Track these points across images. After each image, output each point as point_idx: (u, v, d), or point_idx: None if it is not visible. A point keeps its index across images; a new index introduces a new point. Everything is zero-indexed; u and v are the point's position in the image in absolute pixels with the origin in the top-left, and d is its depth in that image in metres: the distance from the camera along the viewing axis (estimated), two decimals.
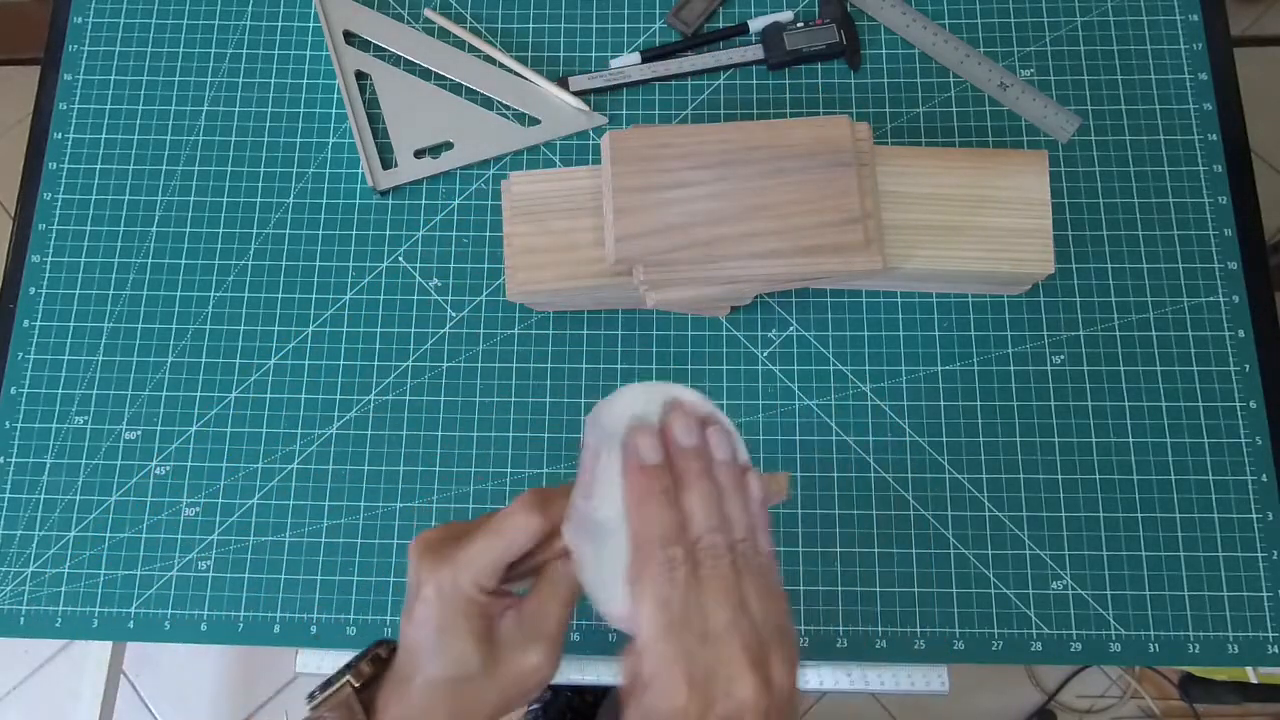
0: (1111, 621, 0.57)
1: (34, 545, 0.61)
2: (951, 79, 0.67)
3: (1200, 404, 0.60)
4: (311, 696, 0.41)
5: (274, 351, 0.63)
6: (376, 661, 0.41)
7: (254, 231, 0.66)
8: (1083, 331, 0.62)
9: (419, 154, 0.66)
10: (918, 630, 0.58)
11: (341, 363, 0.63)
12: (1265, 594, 0.57)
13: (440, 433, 0.62)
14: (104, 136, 0.68)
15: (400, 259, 0.65)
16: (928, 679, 0.59)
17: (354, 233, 0.65)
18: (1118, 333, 0.62)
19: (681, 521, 0.38)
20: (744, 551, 0.38)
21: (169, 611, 0.59)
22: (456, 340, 0.63)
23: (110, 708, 0.94)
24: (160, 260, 0.65)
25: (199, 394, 0.63)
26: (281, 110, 0.68)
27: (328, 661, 0.61)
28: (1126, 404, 0.61)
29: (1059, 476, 0.60)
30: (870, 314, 0.63)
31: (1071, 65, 0.67)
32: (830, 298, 0.63)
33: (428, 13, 0.69)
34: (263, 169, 0.67)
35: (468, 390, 0.62)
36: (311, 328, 0.64)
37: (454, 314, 0.64)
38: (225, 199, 0.66)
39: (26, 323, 0.65)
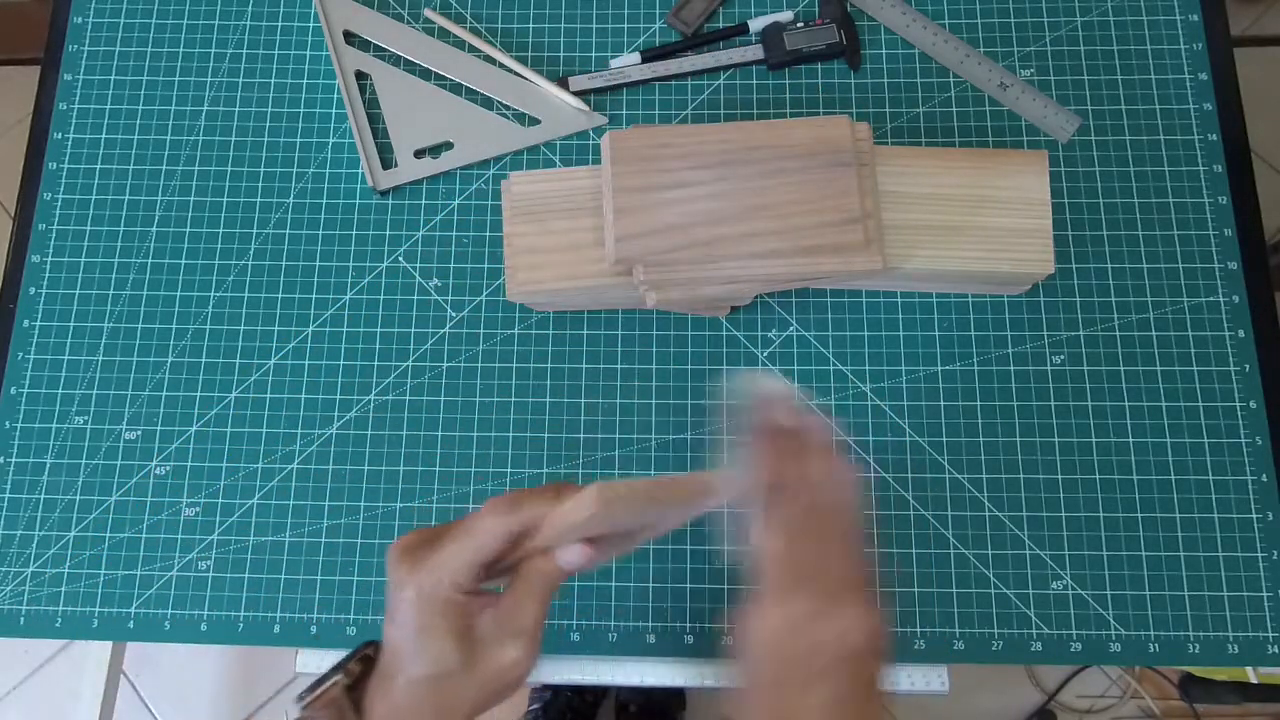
0: (1111, 621, 0.57)
1: (34, 545, 0.61)
2: (951, 79, 0.67)
3: (1200, 404, 0.60)
4: (301, 697, 0.42)
5: (274, 351, 0.63)
6: (365, 661, 0.43)
7: (254, 231, 0.66)
8: (1083, 331, 0.62)
9: (419, 154, 0.66)
10: (918, 630, 0.58)
11: (341, 363, 0.63)
12: (1265, 594, 0.57)
13: (440, 433, 0.62)
14: (104, 136, 0.68)
15: (400, 259, 0.65)
16: (928, 679, 0.59)
17: (354, 233, 0.65)
18: (1118, 333, 0.62)
19: (803, 476, 0.43)
20: (845, 510, 0.43)
21: (169, 611, 0.60)
22: (456, 340, 0.63)
23: (110, 708, 0.94)
24: (160, 260, 0.65)
25: (199, 394, 0.63)
26: (281, 110, 0.68)
27: (328, 662, 0.60)
28: (1126, 404, 0.61)
29: (1059, 476, 0.60)
30: (870, 314, 0.63)
31: (1071, 65, 0.67)
32: (830, 298, 0.63)
33: (428, 13, 0.69)
34: (263, 169, 0.67)
35: (468, 390, 0.62)
36: (311, 328, 0.64)
37: (454, 314, 0.64)
38: (225, 199, 0.66)
39: (26, 323, 0.65)
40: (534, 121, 0.67)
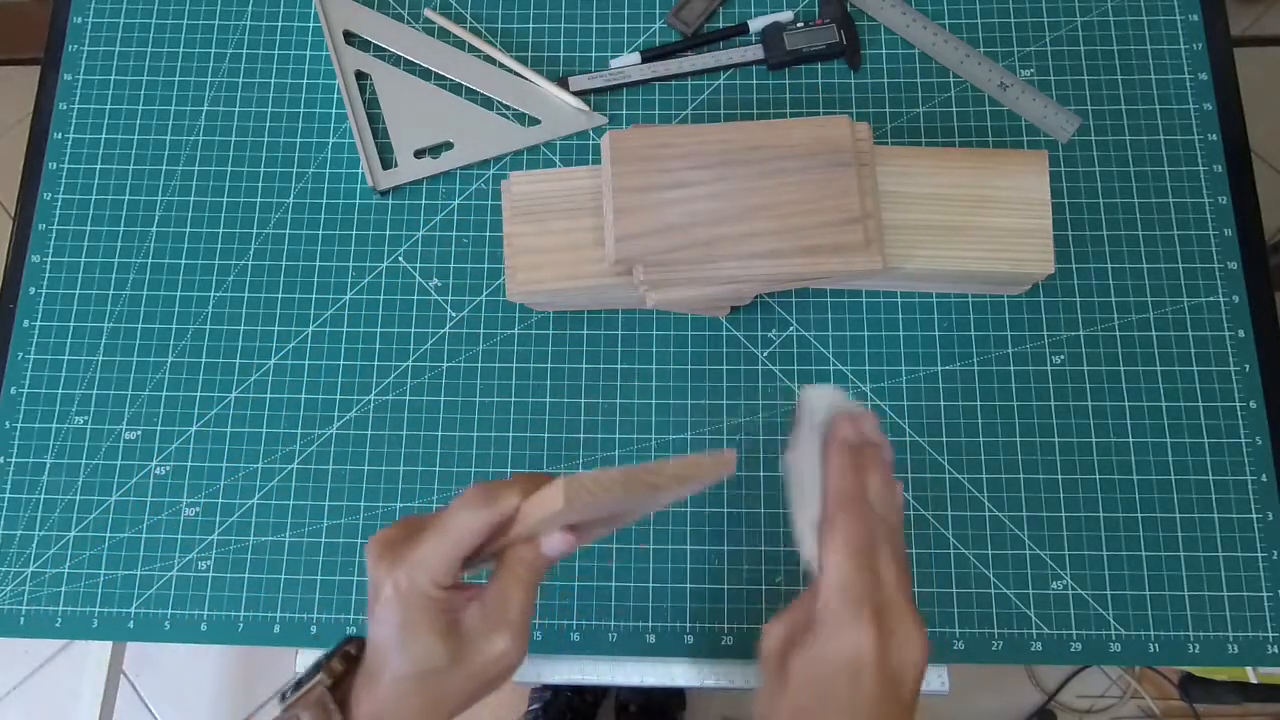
0: (1111, 621, 0.57)
1: (34, 545, 0.61)
2: (951, 79, 0.67)
3: (1200, 404, 0.60)
4: (284, 696, 0.42)
5: (274, 351, 0.63)
6: (347, 659, 0.42)
7: (254, 231, 0.66)
8: (1083, 331, 0.62)
9: (419, 154, 0.66)
10: None
11: (341, 363, 0.63)
12: (1265, 594, 0.57)
13: (440, 433, 0.62)
14: (104, 136, 0.68)
15: (400, 259, 0.65)
16: (928, 679, 0.59)
17: (354, 233, 0.65)
18: (1118, 333, 0.62)
19: (864, 494, 0.43)
20: (900, 535, 0.43)
21: (169, 611, 0.60)
22: (456, 340, 0.63)
23: (110, 708, 0.94)
24: (160, 260, 0.65)
25: (199, 394, 0.63)
26: (281, 110, 0.68)
27: None
28: (1126, 404, 0.61)
29: (1059, 476, 0.60)
30: (870, 314, 0.63)
31: (1071, 65, 0.67)
32: (830, 298, 0.63)
33: (428, 13, 0.69)
34: (263, 169, 0.67)
35: (468, 390, 0.62)
36: (311, 328, 0.64)
37: (454, 314, 0.64)
38: (225, 199, 0.66)
39: (26, 323, 0.65)
40: (534, 121, 0.67)
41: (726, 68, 0.68)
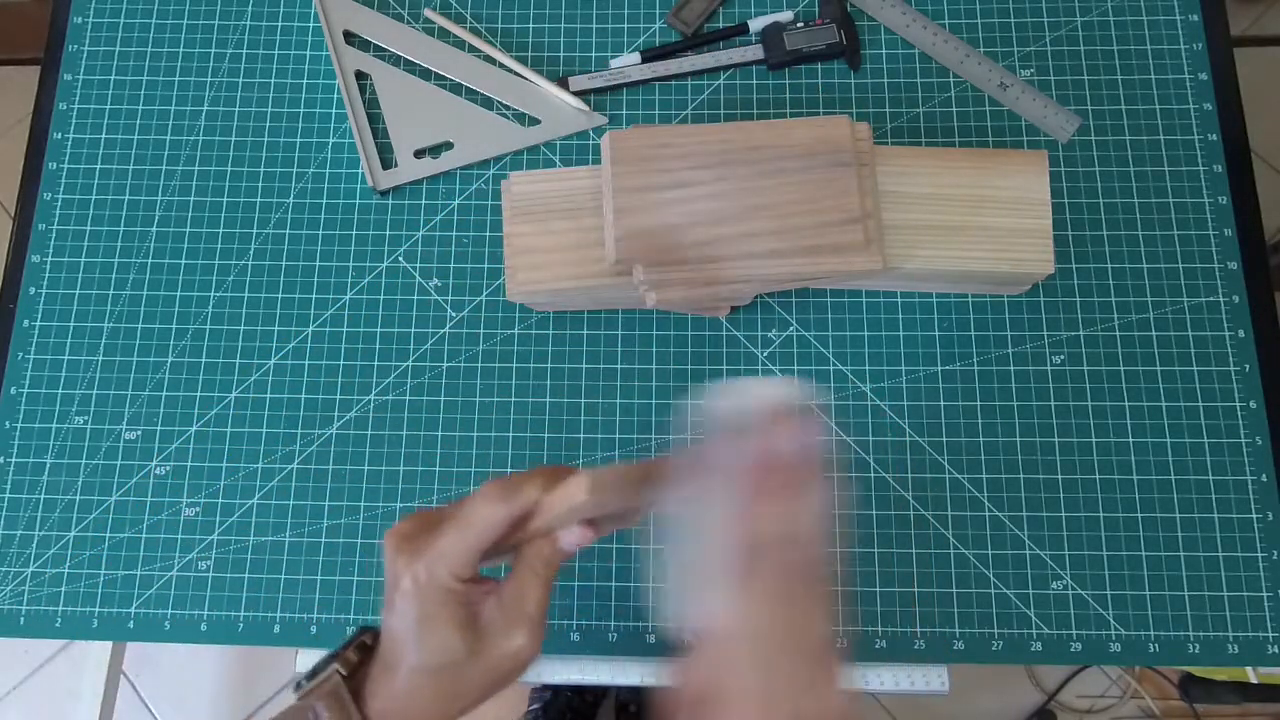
0: (1111, 621, 0.57)
1: (34, 545, 0.61)
2: (951, 79, 0.67)
3: (1200, 404, 0.60)
4: (299, 685, 0.42)
5: (274, 351, 0.63)
6: (362, 649, 0.42)
7: (254, 231, 0.66)
8: (1083, 331, 0.62)
9: (419, 154, 0.66)
10: (918, 630, 0.58)
11: (341, 363, 0.63)
12: (1265, 594, 0.57)
13: (440, 433, 0.62)
14: (104, 136, 0.68)
15: (400, 259, 0.65)
16: (928, 679, 0.59)
17: (354, 233, 0.65)
18: (1118, 333, 0.62)
19: (763, 531, 0.37)
20: (817, 566, 0.38)
21: (169, 611, 0.60)
22: (456, 340, 0.63)
23: (110, 708, 0.94)
24: (160, 260, 0.65)
25: (199, 394, 0.63)
26: (281, 110, 0.68)
27: None
28: (1126, 404, 0.61)
29: (1059, 476, 0.60)
30: (870, 314, 0.63)
31: (1071, 65, 0.67)
32: (830, 298, 0.63)
33: (428, 13, 0.69)
34: (263, 169, 0.67)
35: (468, 390, 0.62)
36: (311, 328, 0.64)
37: (454, 314, 0.64)
38: (225, 199, 0.66)
39: (26, 323, 0.65)
40: (534, 121, 0.67)
41: (726, 68, 0.68)
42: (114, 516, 0.61)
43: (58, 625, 0.60)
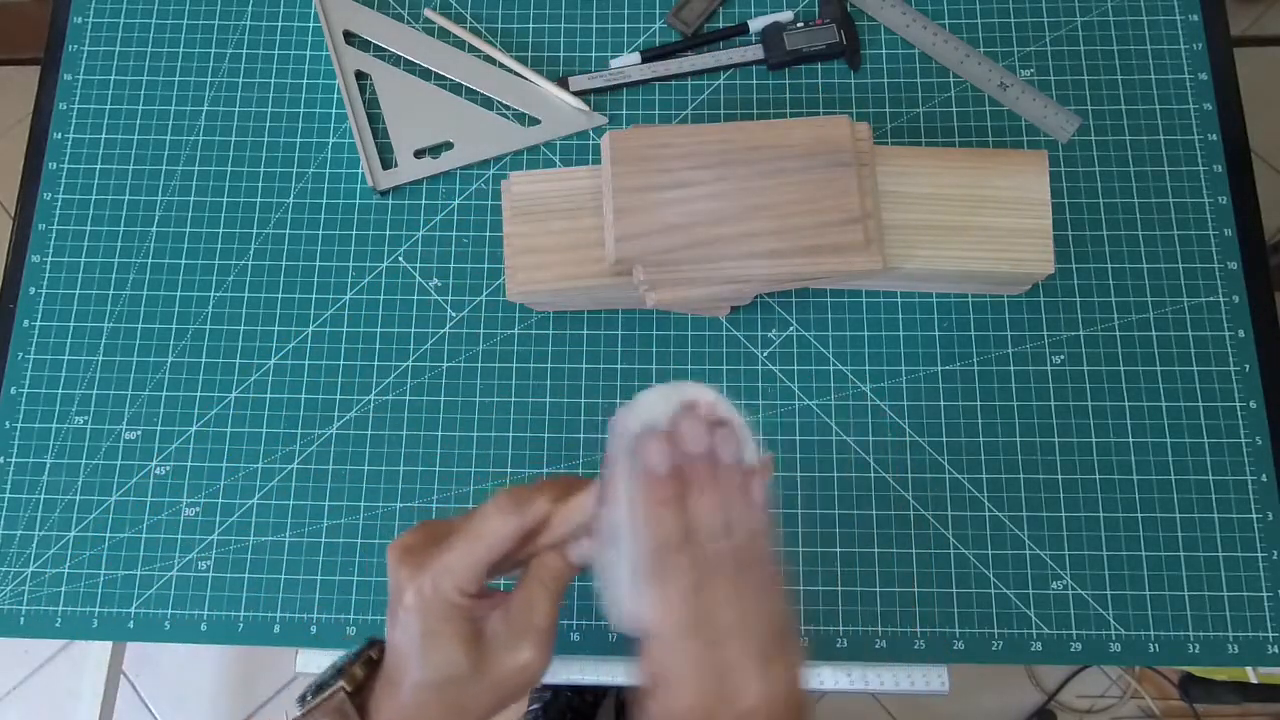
0: (1111, 621, 0.57)
1: (34, 545, 0.61)
2: (951, 79, 0.67)
3: (1200, 404, 0.60)
4: (303, 699, 0.41)
5: (274, 351, 0.63)
6: (369, 664, 0.41)
7: (254, 231, 0.66)
8: (1083, 331, 0.62)
9: (419, 154, 0.66)
10: (918, 630, 0.58)
11: (341, 363, 0.63)
12: (1265, 594, 0.57)
13: (440, 433, 0.62)
14: (104, 136, 0.68)
15: (400, 259, 0.65)
16: (928, 679, 0.59)
17: (354, 233, 0.65)
18: (1118, 333, 0.62)
19: (688, 527, 0.38)
20: (748, 555, 0.38)
21: (169, 611, 0.59)
22: (456, 340, 0.63)
23: (110, 708, 0.94)
24: (160, 260, 0.65)
25: (199, 394, 0.63)
26: (281, 110, 0.68)
27: (328, 662, 0.60)
28: (1126, 404, 0.61)
29: (1059, 476, 0.60)
30: (870, 314, 0.63)
31: (1071, 65, 0.67)
32: (830, 298, 0.63)
33: (428, 13, 0.69)
34: (263, 169, 0.67)
35: (468, 390, 0.62)
36: (311, 328, 0.64)
37: (454, 314, 0.64)
38: (225, 199, 0.66)
39: (26, 323, 0.65)
40: (534, 121, 0.67)
41: (726, 68, 0.68)
42: (114, 516, 0.61)
43: (58, 625, 0.60)
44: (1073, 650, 0.57)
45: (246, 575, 0.60)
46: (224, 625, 0.59)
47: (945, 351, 0.62)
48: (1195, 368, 0.61)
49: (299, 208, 0.66)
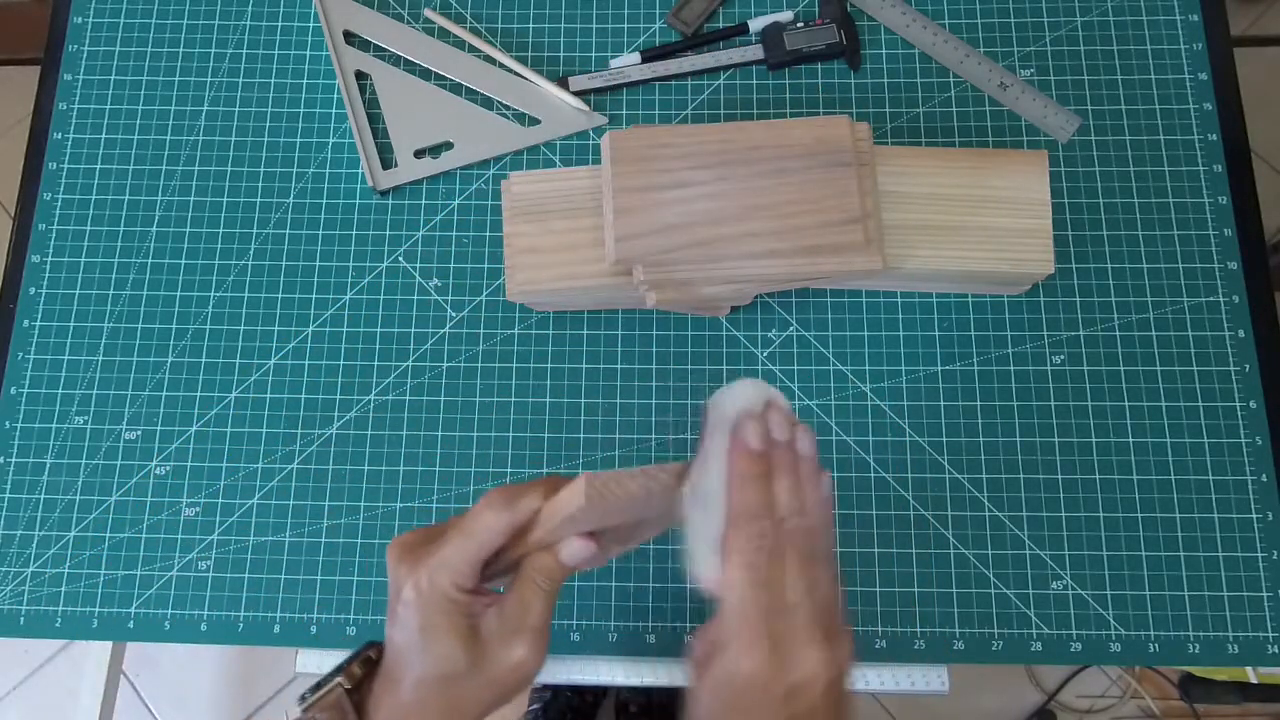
0: (1111, 621, 0.57)
1: (34, 545, 0.61)
2: (951, 79, 0.67)
3: (1200, 404, 0.60)
4: (303, 698, 0.41)
5: (274, 351, 0.63)
6: (367, 663, 0.42)
7: (254, 231, 0.66)
8: (1083, 331, 0.62)
9: (419, 154, 0.66)
10: (918, 630, 0.58)
11: (341, 363, 0.63)
12: (1265, 594, 0.57)
13: (440, 433, 0.62)
14: (104, 136, 0.68)
15: (400, 259, 0.65)
16: (928, 679, 0.59)
17: (354, 233, 0.65)
18: (1118, 333, 0.62)
19: (770, 503, 0.40)
20: (816, 539, 0.41)
21: (169, 611, 0.60)
22: (456, 340, 0.63)
23: (110, 708, 0.94)
24: (160, 260, 0.65)
25: (199, 394, 0.63)
26: (281, 110, 0.68)
27: (328, 662, 0.61)
28: (1126, 404, 0.61)
29: (1059, 476, 0.60)
30: (870, 314, 0.63)
31: (1071, 65, 0.67)
32: (830, 298, 0.63)
33: (428, 13, 0.69)
34: (263, 169, 0.67)
35: (468, 390, 0.62)
36: (311, 328, 0.64)
37: (454, 314, 0.64)
38: (225, 199, 0.66)
39: (26, 323, 0.65)
40: (534, 121, 0.67)
41: (726, 68, 0.68)
42: (114, 516, 0.61)
43: (58, 625, 0.60)
44: (1073, 650, 0.57)
45: (246, 575, 0.60)
46: (224, 625, 0.59)
47: (945, 351, 0.62)
48: (1195, 368, 0.61)
49: (299, 208, 0.66)
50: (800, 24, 0.67)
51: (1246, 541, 0.58)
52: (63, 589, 0.60)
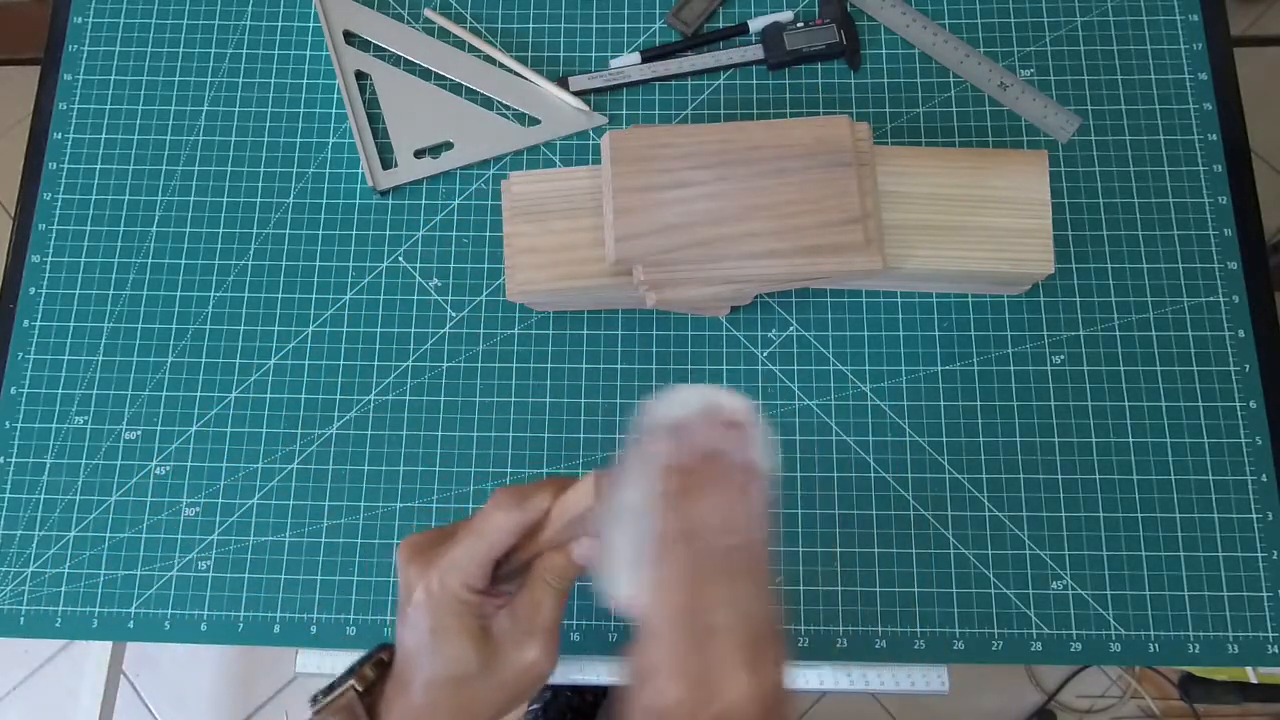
0: (1111, 621, 0.57)
1: (34, 545, 0.61)
2: (951, 79, 0.67)
3: (1200, 404, 0.60)
4: (315, 700, 0.41)
5: (274, 351, 0.63)
6: (379, 665, 0.42)
7: (254, 231, 0.66)
8: (1083, 331, 0.62)
9: (419, 154, 0.66)
10: (918, 630, 0.58)
11: (341, 363, 0.63)
12: (1265, 594, 0.57)
13: (440, 433, 0.62)
14: (104, 136, 0.68)
15: (400, 259, 0.65)
16: (928, 679, 0.59)
17: (354, 233, 0.65)
18: (1118, 333, 0.62)
19: (693, 521, 0.38)
20: (743, 556, 0.38)
21: (169, 611, 0.60)
22: (456, 340, 0.63)
23: (110, 708, 0.94)
24: (160, 260, 0.65)
25: (199, 394, 0.63)
26: (281, 110, 0.68)
27: (328, 662, 0.61)
28: (1126, 404, 0.61)
29: (1059, 476, 0.60)
30: (870, 314, 0.63)
31: (1071, 65, 0.67)
32: (830, 298, 0.63)
33: (428, 13, 0.69)
34: (263, 169, 0.67)
35: (468, 390, 0.62)
36: (311, 328, 0.64)
37: (454, 314, 0.64)
38: (225, 199, 0.66)
39: (26, 323, 0.65)
40: (534, 121, 0.67)
41: (726, 68, 0.68)
42: (114, 516, 0.61)
43: (58, 625, 0.60)
44: (1073, 650, 0.57)
45: (246, 575, 0.60)
46: (224, 625, 0.59)
47: (945, 351, 0.62)
48: (1195, 368, 0.61)
49: (299, 208, 0.66)
50: (800, 24, 0.67)
51: (1246, 541, 0.58)
52: (63, 589, 0.60)
